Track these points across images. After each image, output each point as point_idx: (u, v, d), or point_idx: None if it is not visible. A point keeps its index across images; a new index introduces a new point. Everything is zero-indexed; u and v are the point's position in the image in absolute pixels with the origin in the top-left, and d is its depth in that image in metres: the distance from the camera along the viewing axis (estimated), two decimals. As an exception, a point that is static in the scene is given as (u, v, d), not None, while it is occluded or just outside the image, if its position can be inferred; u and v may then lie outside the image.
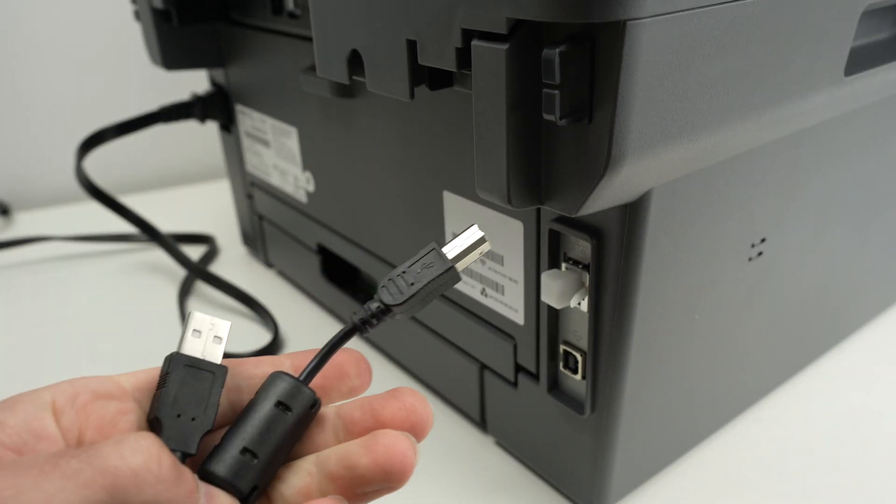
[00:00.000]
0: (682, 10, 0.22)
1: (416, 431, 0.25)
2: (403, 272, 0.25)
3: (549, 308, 0.33)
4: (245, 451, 0.22)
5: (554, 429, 0.35)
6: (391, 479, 0.23)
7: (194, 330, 0.24)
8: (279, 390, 0.23)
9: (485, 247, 0.25)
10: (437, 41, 0.26)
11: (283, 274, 0.61)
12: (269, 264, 0.63)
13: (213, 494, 0.21)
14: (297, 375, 0.24)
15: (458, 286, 0.39)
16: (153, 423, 0.23)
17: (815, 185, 0.37)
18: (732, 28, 0.24)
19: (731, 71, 0.25)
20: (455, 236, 0.26)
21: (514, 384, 0.37)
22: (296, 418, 0.23)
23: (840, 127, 0.36)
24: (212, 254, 0.65)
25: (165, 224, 0.68)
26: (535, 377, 0.35)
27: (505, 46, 0.23)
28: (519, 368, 0.36)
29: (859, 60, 0.32)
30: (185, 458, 0.22)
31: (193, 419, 0.23)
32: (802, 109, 0.30)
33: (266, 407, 0.23)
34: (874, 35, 0.34)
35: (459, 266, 0.25)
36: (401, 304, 0.24)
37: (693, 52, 0.23)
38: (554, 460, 0.36)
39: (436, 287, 0.25)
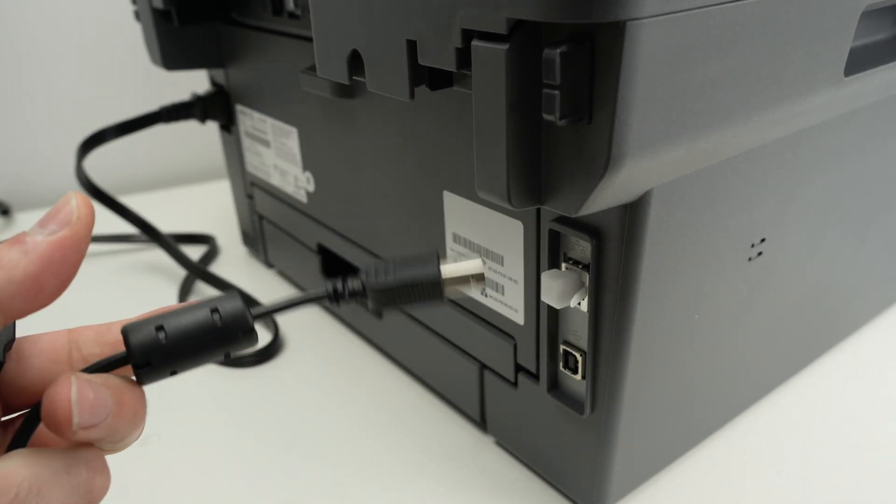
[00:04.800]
0: (682, 11, 0.22)
1: None
2: (394, 265, 0.24)
3: (550, 308, 0.33)
4: (160, 328, 0.22)
5: (554, 429, 0.35)
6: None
7: None
8: (224, 303, 0.23)
9: (480, 284, 0.25)
10: (437, 41, 0.26)
11: (283, 274, 0.61)
12: (269, 264, 0.63)
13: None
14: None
15: (458, 286, 0.39)
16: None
17: (815, 185, 0.37)
18: (732, 28, 0.24)
19: (731, 71, 0.25)
20: (458, 260, 0.25)
21: (514, 384, 0.37)
22: (222, 330, 0.23)
23: (840, 127, 0.36)
24: (212, 254, 0.65)
25: (165, 224, 0.68)
26: (535, 377, 0.35)
27: (505, 47, 0.23)
28: (519, 368, 0.37)
29: (859, 60, 0.32)
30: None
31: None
32: (802, 109, 0.30)
33: (202, 308, 0.23)
34: (874, 35, 0.34)
35: (447, 284, 0.24)
36: (377, 289, 0.24)
37: (693, 52, 0.23)
38: (554, 460, 0.36)
39: (415, 291, 0.24)
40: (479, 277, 0.24)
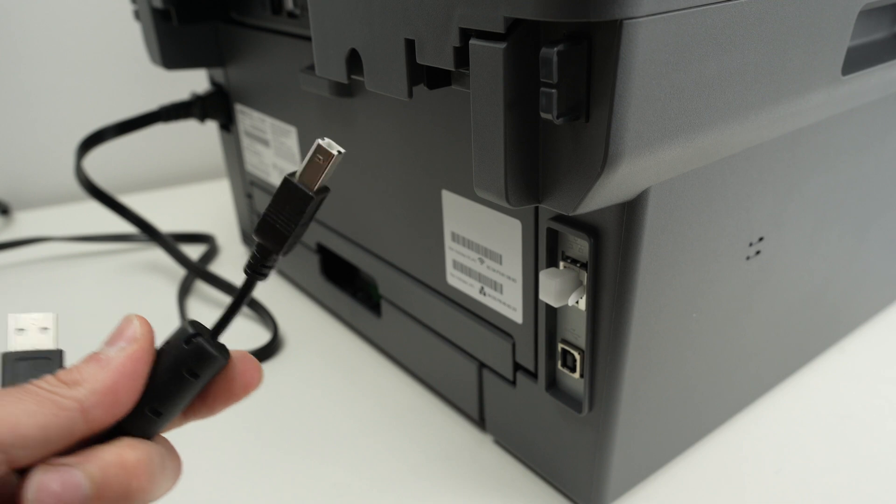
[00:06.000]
0: (679, 10, 0.22)
1: None
2: (272, 214, 0.25)
3: (548, 306, 0.33)
4: (154, 410, 0.25)
5: (552, 427, 0.35)
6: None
7: (17, 329, 0.26)
8: (185, 355, 0.25)
9: (329, 156, 0.24)
10: (436, 40, 0.26)
11: (282, 274, 0.61)
12: (268, 264, 0.63)
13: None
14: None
15: (458, 285, 0.39)
16: None
17: (813, 184, 0.37)
18: (729, 27, 0.24)
19: (728, 70, 0.25)
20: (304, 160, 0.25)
21: (513, 383, 0.37)
22: (182, 360, 0.25)
23: (838, 126, 0.36)
24: (212, 253, 0.65)
25: (165, 224, 0.68)
26: (533, 376, 0.36)
27: (503, 45, 0.23)
28: (517, 367, 0.37)
29: (857, 60, 0.32)
30: None
31: None
32: (800, 108, 0.30)
33: (174, 370, 0.25)
34: (871, 34, 0.34)
35: (304, 179, 0.24)
36: (261, 231, 0.25)
37: (690, 50, 0.23)
38: (552, 459, 0.36)
39: (286, 207, 0.25)
40: (323, 151, 0.24)
